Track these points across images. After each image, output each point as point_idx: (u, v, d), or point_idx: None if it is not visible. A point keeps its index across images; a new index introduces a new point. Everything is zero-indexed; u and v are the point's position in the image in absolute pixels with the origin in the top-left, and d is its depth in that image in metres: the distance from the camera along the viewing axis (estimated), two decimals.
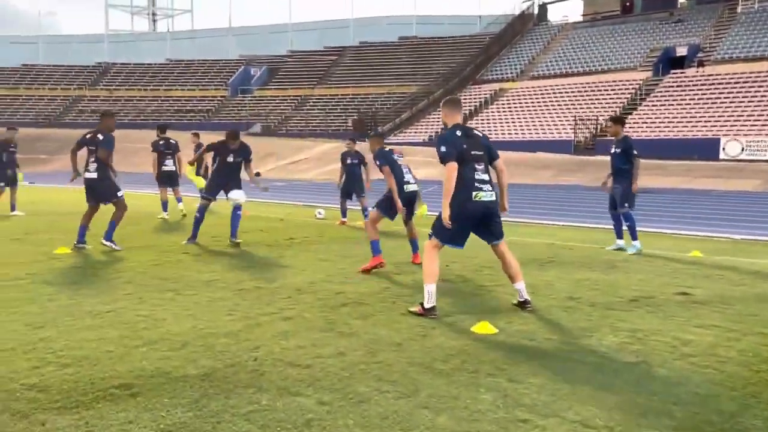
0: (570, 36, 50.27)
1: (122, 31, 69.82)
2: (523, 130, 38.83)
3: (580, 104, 39.46)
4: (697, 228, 11.88)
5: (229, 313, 5.26)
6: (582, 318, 5.10)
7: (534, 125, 38.88)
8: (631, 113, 36.76)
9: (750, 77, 35.95)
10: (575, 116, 35.89)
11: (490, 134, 38.98)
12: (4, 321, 4.97)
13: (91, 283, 6.49)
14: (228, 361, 4.04)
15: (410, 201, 7.63)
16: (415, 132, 43.66)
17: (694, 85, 37.65)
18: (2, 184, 13.12)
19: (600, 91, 40.70)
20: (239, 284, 6.39)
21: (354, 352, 4.23)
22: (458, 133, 5.38)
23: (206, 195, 9.47)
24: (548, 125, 38.29)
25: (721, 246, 9.69)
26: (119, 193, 8.72)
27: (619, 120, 9.19)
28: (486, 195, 5.28)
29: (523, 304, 5.39)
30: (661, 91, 38.40)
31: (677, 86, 38.34)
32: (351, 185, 12.21)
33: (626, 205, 8.75)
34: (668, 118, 34.83)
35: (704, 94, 36.29)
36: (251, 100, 53.82)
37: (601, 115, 37.05)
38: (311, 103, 51.97)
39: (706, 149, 30.21)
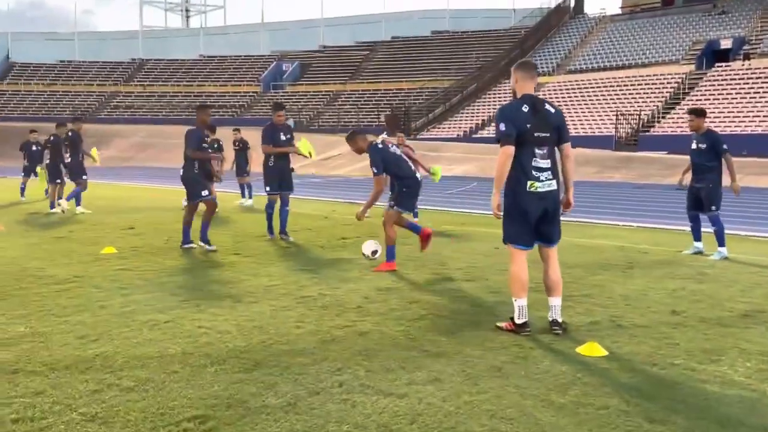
0: (608, 29, 48.98)
1: (156, 28, 70.26)
2: None
3: (620, 99, 38.34)
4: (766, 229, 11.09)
5: (298, 325, 4.76)
6: (698, 337, 4.49)
7: (573, 120, 37.84)
8: (674, 107, 35.60)
9: None
10: (616, 111, 34.80)
11: None
12: (55, 333, 4.54)
13: (142, 287, 6.05)
14: (311, 387, 3.52)
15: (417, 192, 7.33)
16: (449, 127, 42.96)
17: (740, 79, 36.26)
18: (84, 177, 12.84)
19: (641, 85, 39.50)
20: (301, 290, 5.90)
21: (451, 378, 3.68)
22: (524, 108, 4.50)
23: (272, 192, 9.25)
24: (587, 120, 37.28)
25: None
26: (203, 193, 8.27)
27: (700, 112, 8.42)
28: (543, 185, 4.49)
29: (551, 324, 4.61)
30: (705, 85, 37.10)
31: (722, 80, 36.99)
32: None
33: (713, 207, 8.02)
34: (714, 112, 33.51)
35: (751, 87, 34.93)
36: (283, 95, 53.62)
37: (642, 110, 35.93)
38: (343, 99, 51.55)
39: (757, 145, 28.93)
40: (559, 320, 4.63)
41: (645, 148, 31.80)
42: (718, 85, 36.65)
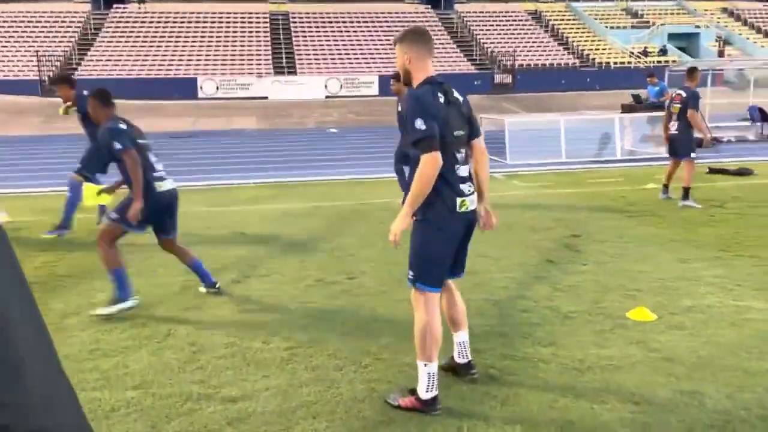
0: None
1: None
2: None
3: (30, 37, 34.14)
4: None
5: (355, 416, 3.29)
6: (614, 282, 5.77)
7: None
8: (89, 49, 34.14)
9: (192, 17, 37.90)
10: (37, 52, 31.06)
11: None
12: None
13: None
14: None
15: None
16: None
17: (142, 23, 37.28)
18: None
19: (46, 23, 36.03)
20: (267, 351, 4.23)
21: None
22: (440, 95, 3.17)
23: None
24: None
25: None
26: None
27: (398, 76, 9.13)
28: (470, 200, 3.25)
29: (465, 367, 3.60)
30: (111, 27, 36.74)
31: (125, 22, 37.30)
32: None
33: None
34: (131, 55, 33.86)
35: (156, 31, 36.52)
36: None
37: (60, 51, 33.01)
38: None
39: (185, 88, 30.71)
40: (471, 360, 3.64)
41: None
42: (125, 28, 36.80)
